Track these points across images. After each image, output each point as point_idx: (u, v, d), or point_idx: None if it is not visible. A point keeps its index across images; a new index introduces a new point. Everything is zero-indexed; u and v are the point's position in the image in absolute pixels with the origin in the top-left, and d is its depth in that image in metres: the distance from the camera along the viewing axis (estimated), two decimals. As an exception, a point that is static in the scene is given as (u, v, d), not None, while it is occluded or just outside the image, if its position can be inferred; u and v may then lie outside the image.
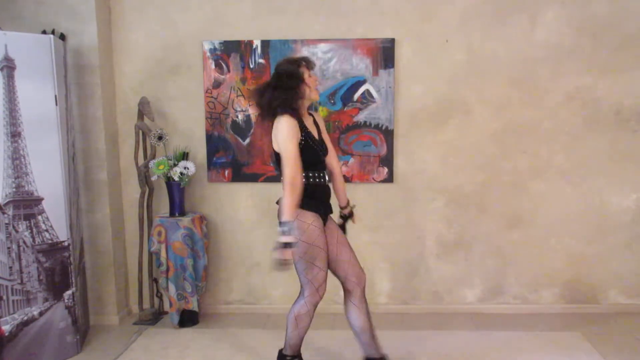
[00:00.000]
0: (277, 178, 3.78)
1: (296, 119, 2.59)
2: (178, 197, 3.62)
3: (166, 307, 3.82)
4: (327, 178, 2.76)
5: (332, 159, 2.84)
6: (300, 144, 2.59)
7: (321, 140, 2.76)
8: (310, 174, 2.66)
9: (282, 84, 2.59)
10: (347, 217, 2.95)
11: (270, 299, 3.92)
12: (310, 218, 2.64)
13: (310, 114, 2.79)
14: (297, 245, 2.55)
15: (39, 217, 3.05)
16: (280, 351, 2.87)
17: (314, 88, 2.66)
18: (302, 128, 2.63)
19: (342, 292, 3.87)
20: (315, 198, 2.67)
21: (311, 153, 2.66)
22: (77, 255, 3.31)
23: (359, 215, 3.01)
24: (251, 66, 3.67)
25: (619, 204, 3.73)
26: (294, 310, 2.74)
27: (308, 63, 2.66)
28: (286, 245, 2.44)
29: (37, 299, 3.07)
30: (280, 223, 2.49)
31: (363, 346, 2.80)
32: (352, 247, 2.82)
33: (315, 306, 2.73)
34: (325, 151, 2.76)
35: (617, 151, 3.68)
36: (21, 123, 2.96)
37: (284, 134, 2.53)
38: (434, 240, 3.82)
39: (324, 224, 2.71)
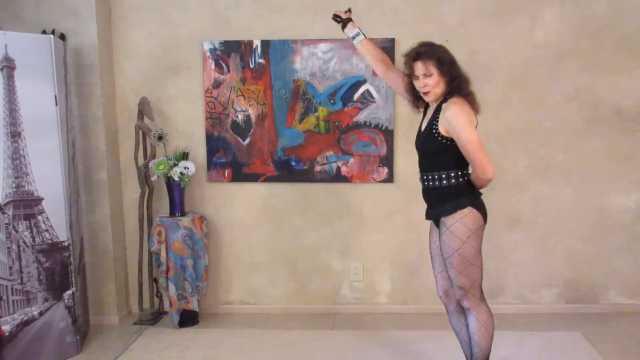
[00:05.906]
0: (277, 178, 3.79)
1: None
2: (178, 197, 3.62)
3: (166, 307, 3.82)
4: (426, 180, 2.58)
5: None
6: None
7: (421, 134, 2.59)
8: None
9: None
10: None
11: (270, 299, 3.92)
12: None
13: (440, 106, 2.49)
14: None
15: (39, 217, 3.05)
16: None
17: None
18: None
19: (342, 292, 3.90)
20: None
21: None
22: (77, 255, 3.31)
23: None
24: (251, 66, 3.67)
25: (619, 204, 3.73)
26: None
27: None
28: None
29: (37, 299, 3.07)
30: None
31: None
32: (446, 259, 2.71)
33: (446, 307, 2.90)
34: (418, 145, 2.61)
35: (617, 151, 3.68)
36: (21, 123, 2.97)
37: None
38: (434, 240, 3.81)
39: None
